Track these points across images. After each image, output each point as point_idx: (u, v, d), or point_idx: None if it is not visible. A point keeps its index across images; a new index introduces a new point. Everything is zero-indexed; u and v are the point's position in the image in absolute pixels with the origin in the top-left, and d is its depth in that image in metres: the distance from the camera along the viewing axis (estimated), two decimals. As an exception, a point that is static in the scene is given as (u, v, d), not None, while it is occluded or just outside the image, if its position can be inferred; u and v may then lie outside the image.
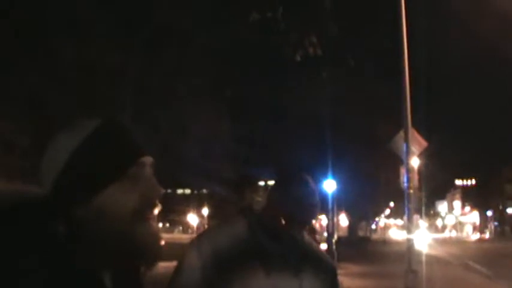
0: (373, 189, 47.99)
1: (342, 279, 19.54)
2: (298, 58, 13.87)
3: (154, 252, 1.19)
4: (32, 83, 12.96)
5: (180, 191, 46.20)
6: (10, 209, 1.07)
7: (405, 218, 17.88)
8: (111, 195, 1.13)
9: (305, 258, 2.33)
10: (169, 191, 40.76)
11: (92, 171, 1.13)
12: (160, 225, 42.78)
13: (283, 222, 2.27)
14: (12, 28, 12.06)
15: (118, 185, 1.14)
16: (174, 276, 2.22)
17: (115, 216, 1.13)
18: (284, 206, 2.27)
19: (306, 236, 2.42)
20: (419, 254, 25.14)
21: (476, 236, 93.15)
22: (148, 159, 1.21)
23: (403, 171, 17.01)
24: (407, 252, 16.93)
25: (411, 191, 16.75)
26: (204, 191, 36.20)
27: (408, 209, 16.88)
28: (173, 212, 37.66)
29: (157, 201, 1.20)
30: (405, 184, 16.70)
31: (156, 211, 1.20)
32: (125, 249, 1.14)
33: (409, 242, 17.11)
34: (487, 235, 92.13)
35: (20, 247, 1.03)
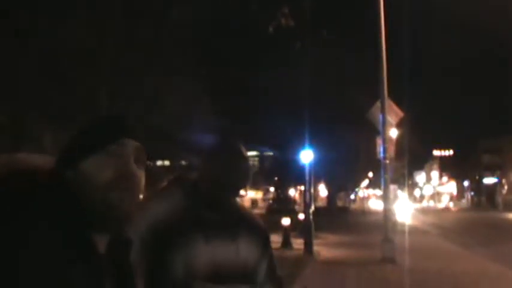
0: (352, 160, 48.31)
1: (320, 249, 19.75)
2: (271, 29, 13.83)
3: (123, 218, 1.48)
4: (9, 63, 12.82)
5: (159, 163, 46.04)
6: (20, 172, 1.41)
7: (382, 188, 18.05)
8: (90, 164, 1.45)
9: (240, 224, 2.36)
10: (148, 162, 40.68)
11: (79, 144, 1.49)
12: (141, 196, 42.74)
13: (217, 188, 2.29)
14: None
15: (97, 157, 1.46)
16: None
17: (94, 181, 1.43)
18: (217, 172, 2.28)
19: (239, 202, 2.47)
20: (396, 223, 25.47)
21: (452, 205, 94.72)
22: (131, 143, 1.52)
23: (379, 141, 17.14)
24: (384, 222, 17.15)
25: (387, 161, 16.91)
26: (183, 162, 36.19)
27: (384, 179, 17.05)
28: (153, 182, 37.65)
29: (132, 177, 1.48)
30: (382, 155, 16.85)
31: (130, 185, 1.48)
32: (101, 211, 1.42)
33: (386, 211, 17.32)
34: (462, 205, 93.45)
35: (24, 201, 1.35)
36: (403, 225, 32.03)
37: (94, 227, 1.42)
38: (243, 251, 2.33)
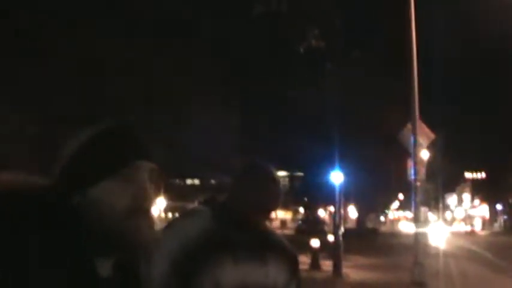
0: (382, 181, 47.96)
1: (349, 271, 19.56)
2: (301, 50, 13.86)
3: (140, 246, 1.33)
4: (39, 83, 13.05)
5: (189, 182, 46.28)
6: (12, 194, 1.25)
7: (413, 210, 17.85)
8: (104, 189, 1.29)
9: (269, 247, 2.36)
10: (177, 181, 40.84)
11: (88, 166, 1.30)
12: (170, 215, 42.88)
13: (247, 210, 2.28)
14: (13, 29, 12.16)
15: (111, 181, 1.30)
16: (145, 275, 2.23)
17: (106, 208, 1.29)
18: (247, 194, 2.27)
19: (269, 225, 2.47)
20: (428, 246, 25.12)
21: (479, 228, 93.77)
22: (146, 165, 1.36)
23: (410, 163, 16.96)
24: (415, 245, 16.91)
25: (418, 183, 16.71)
26: (212, 181, 36.30)
27: (415, 202, 16.84)
28: (182, 201, 37.92)
29: (146, 204, 1.34)
30: (412, 177, 16.66)
31: (146, 212, 1.34)
32: (115, 240, 1.29)
33: (417, 234, 17.08)
34: (494, 228, 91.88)
35: (20, 225, 1.20)
36: (435, 248, 31.59)
37: (100, 253, 1.30)
38: (272, 274, 2.32)
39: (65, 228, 1.25)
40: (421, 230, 17.30)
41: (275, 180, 2.32)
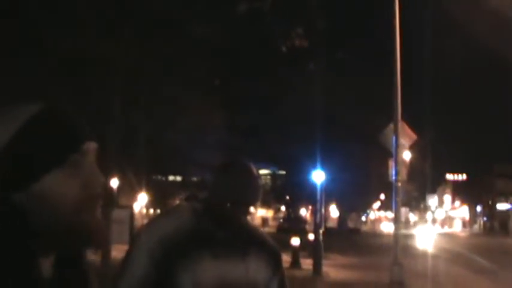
0: (364, 181, 48.17)
1: (329, 270, 19.64)
2: (284, 49, 13.91)
3: (96, 239, 1.17)
4: (23, 71, 12.96)
5: (171, 178, 46.10)
6: None
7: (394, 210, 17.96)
8: (51, 182, 1.10)
9: (250, 242, 2.36)
10: (160, 177, 40.65)
11: (30, 156, 1.10)
12: (152, 211, 42.70)
13: (226, 205, 2.30)
14: (6, 19, 12.08)
15: (58, 172, 1.11)
16: (122, 266, 2.25)
17: (57, 202, 1.10)
18: (227, 189, 2.30)
19: (250, 221, 2.48)
20: (408, 247, 25.28)
21: (460, 229, 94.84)
22: (91, 145, 1.17)
23: (391, 164, 17.06)
24: (394, 245, 17.02)
25: (399, 184, 16.81)
26: (194, 178, 36.18)
27: (396, 202, 16.95)
28: (165, 198, 37.82)
29: (99, 189, 1.16)
30: (393, 177, 16.76)
31: (98, 200, 1.17)
32: (65, 236, 1.12)
33: (396, 234, 17.20)
34: (474, 230, 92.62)
35: None
36: (421, 249, 31.80)
37: (45, 251, 1.12)
38: (253, 270, 2.32)
39: (5, 235, 1.06)
40: (402, 230, 17.43)
41: (253, 175, 2.35)
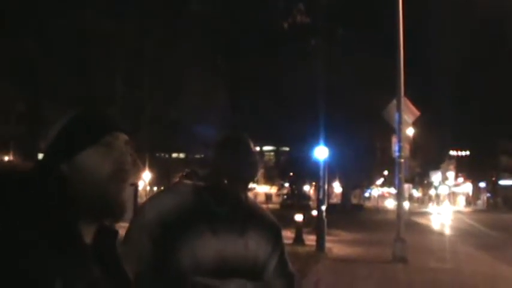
0: (367, 158, 48.13)
1: (332, 246, 19.72)
2: (286, 26, 13.81)
3: (121, 210, 1.44)
4: (28, 50, 12.94)
5: (175, 155, 46.16)
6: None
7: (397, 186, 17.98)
8: (88, 156, 1.42)
9: (249, 218, 2.37)
10: (163, 155, 40.71)
11: (73, 136, 1.44)
12: (156, 188, 42.81)
13: (226, 182, 2.31)
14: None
15: (94, 149, 1.43)
16: (122, 245, 2.27)
17: (92, 174, 1.41)
18: (225, 165, 2.31)
19: (251, 197, 2.47)
20: (409, 223, 25.36)
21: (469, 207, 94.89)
22: (122, 136, 1.50)
23: (395, 140, 17.07)
24: (397, 221, 17.08)
25: (402, 160, 16.82)
26: (197, 155, 36.20)
27: (399, 178, 16.97)
28: (168, 175, 37.91)
29: (127, 168, 1.47)
30: (397, 153, 16.77)
31: (127, 175, 1.47)
32: (98, 204, 1.40)
33: (399, 210, 17.26)
34: (478, 206, 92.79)
35: (14, 200, 1.32)
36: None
37: (84, 218, 1.40)
38: (252, 246, 2.33)
39: (52, 198, 1.34)
40: (402, 206, 17.46)
41: (249, 151, 2.36)
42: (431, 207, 76.42)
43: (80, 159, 1.42)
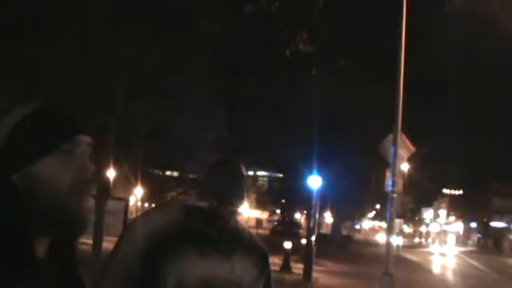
0: (361, 190, 48.06)
1: (319, 275, 19.64)
2: (288, 53, 13.92)
3: (82, 224, 1.31)
4: (31, 61, 12.96)
5: (168, 173, 46.08)
6: None
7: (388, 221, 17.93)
8: (45, 166, 1.26)
9: (237, 242, 2.37)
10: (157, 171, 40.65)
11: (27, 143, 1.26)
12: (147, 205, 42.65)
13: (214, 204, 2.32)
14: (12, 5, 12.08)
15: (52, 158, 1.27)
16: (109, 259, 2.27)
17: (50, 186, 1.25)
18: (213, 187, 2.33)
19: (239, 221, 2.47)
20: (397, 257, 25.26)
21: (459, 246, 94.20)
22: (84, 138, 1.33)
23: (388, 174, 17.05)
24: (386, 255, 17.00)
25: (395, 195, 16.79)
26: (190, 175, 36.17)
27: (390, 213, 16.93)
28: (161, 192, 37.82)
29: (89, 178, 1.32)
30: (390, 188, 16.74)
31: (88, 186, 1.32)
32: (58, 218, 1.26)
33: (388, 245, 17.18)
34: (468, 246, 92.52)
35: None
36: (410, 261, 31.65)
37: (37, 232, 1.25)
38: (239, 269, 2.32)
39: (4, 211, 1.20)
40: (392, 241, 17.39)
41: (239, 176, 2.37)
42: (434, 247, 72.28)
43: (36, 170, 1.25)
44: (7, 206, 1.21)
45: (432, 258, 47.10)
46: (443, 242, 77.07)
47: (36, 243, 1.24)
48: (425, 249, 65.72)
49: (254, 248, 2.45)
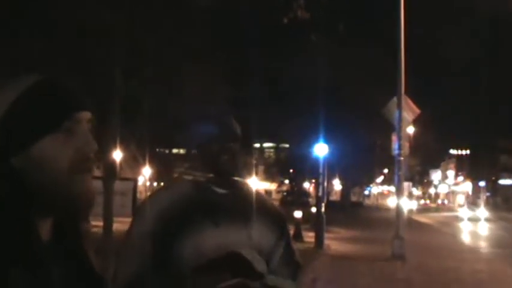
0: (367, 155, 48.09)
1: (331, 243, 19.73)
2: (285, 20, 13.82)
3: (87, 204, 1.27)
4: (23, 42, 12.86)
5: (175, 151, 46.12)
6: None
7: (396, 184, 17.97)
8: (46, 146, 1.21)
9: (251, 209, 2.34)
10: (163, 150, 40.74)
11: (27, 122, 1.21)
12: (155, 184, 42.79)
13: (214, 149, 2.31)
14: None
15: (53, 137, 1.21)
16: (124, 244, 2.27)
17: (51, 167, 1.21)
18: (201, 137, 2.35)
19: (251, 187, 2.44)
20: (408, 221, 25.36)
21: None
22: (85, 115, 1.27)
23: (394, 138, 17.04)
24: (396, 219, 17.09)
25: (402, 158, 16.82)
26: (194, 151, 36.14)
27: (398, 176, 16.97)
28: (169, 171, 37.88)
29: (92, 156, 1.26)
30: (396, 151, 16.76)
31: (91, 164, 1.27)
32: (60, 199, 1.22)
33: (398, 208, 17.26)
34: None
35: None
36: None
37: (39, 215, 1.21)
38: (256, 235, 2.30)
39: (4, 193, 1.17)
40: (401, 204, 17.44)
41: (216, 114, 2.40)
42: (461, 211, 55.52)
43: (36, 151, 1.20)
44: (7, 188, 1.17)
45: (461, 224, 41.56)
46: (472, 204, 57.64)
47: (39, 225, 1.21)
48: (447, 213, 63.05)
49: (269, 213, 2.41)
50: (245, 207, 2.32)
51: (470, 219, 46.25)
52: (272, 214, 2.42)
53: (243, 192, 2.35)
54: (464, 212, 51.10)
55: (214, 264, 2.11)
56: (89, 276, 1.29)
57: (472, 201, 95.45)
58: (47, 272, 1.18)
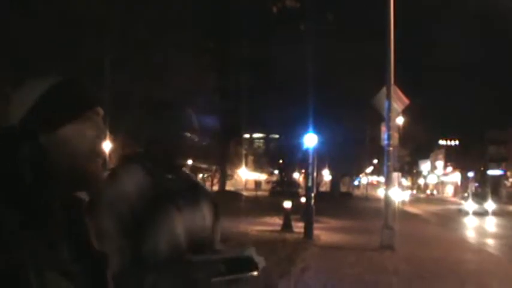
0: (357, 146, 48.24)
1: (320, 233, 19.77)
2: (275, 10, 13.78)
3: (96, 182, 1.46)
4: (16, 33, 12.80)
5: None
6: None
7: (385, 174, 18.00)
8: (70, 131, 1.41)
9: (200, 193, 2.41)
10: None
11: (58, 108, 1.41)
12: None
13: (169, 158, 2.33)
14: None
15: (76, 123, 1.42)
16: (94, 215, 2.18)
17: (73, 149, 1.40)
18: (166, 139, 2.33)
19: (186, 170, 2.50)
20: (397, 211, 25.45)
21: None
22: (100, 110, 1.49)
23: (384, 128, 17.06)
24: (385, 209, 17.13)
25: (391, 148, 16.84)
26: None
27: (387, 167, 17.00)
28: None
29: (103, 143, 1.48)
30: (385, 142, 16.78)
31: (103, 153, 1.48)
32: (76, 179, 1.40)
33: (387, 198, 17.29)
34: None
35: None
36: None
37: (57, 192, 1.35)
38: (207, 215, 2.37)
39: (23, 167, 1.29)
40: (390, 194, 17.50)
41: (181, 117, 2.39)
42: (468, 203, 44.01)
43: (62, 133, 1.40)
44: (33, 165, 1.30)
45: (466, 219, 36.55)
46: (478, 197, 47.14)
47: (54, 202, 1.34)
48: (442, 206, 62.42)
49: (207, 193, 2.50)
50: (193, 189, 2.38)
51: (475, 213, 41.18)
52: (208, 194, 2.51)
53: (184, 176, 2.40)
54: (469, 205, 43.54)
55: (229, 263, 2.16)
56: (93, 251, 1.44)
57: (477, 193, 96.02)
58: (61, 255, 1.31)
